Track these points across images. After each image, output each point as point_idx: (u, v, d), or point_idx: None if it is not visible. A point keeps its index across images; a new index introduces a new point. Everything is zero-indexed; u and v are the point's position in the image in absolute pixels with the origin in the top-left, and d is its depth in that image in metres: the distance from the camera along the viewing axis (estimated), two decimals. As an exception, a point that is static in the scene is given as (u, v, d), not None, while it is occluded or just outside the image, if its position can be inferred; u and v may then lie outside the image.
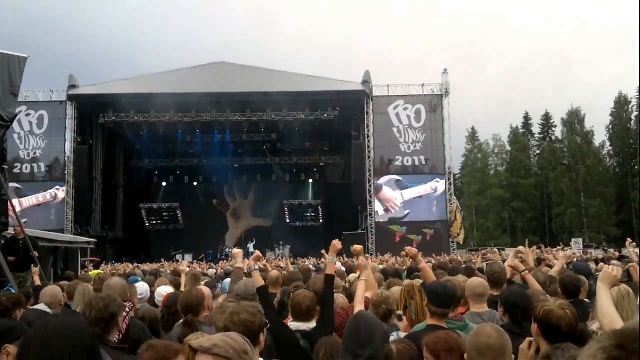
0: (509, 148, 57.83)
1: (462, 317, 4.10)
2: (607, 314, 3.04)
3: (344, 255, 20.82)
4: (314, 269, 12.63)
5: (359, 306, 4.38)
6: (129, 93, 28.79)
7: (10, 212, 10.68)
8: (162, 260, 24.35)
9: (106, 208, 31.94)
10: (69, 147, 29.15)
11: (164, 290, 5.89)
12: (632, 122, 49.71)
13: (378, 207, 29.27)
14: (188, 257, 29.26)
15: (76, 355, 1.86)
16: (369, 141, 29.47)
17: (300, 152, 33.94)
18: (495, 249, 22.89)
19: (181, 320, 4.20)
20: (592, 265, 9.85)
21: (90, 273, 11.31)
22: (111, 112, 29.25)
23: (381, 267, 10.48)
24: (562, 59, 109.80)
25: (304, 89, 29.01)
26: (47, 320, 1.98)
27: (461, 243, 30.48)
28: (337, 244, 4.82)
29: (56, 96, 29.64)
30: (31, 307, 5.15)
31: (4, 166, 10.89)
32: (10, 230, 10.89)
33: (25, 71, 10.95)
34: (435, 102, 29.92)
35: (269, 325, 3.18)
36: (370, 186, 29.20)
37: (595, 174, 47.89)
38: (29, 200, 28.73)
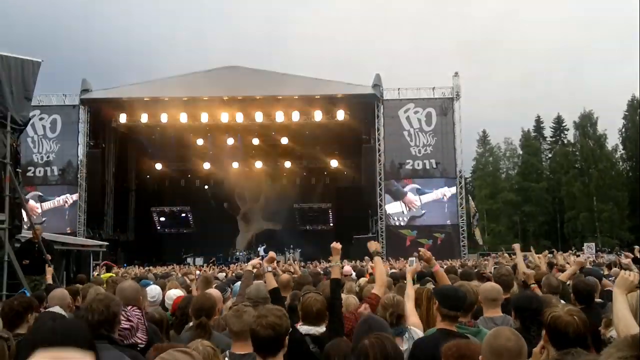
0: (520, 151, 57.47)
1: (475, 322, 4.08)
2: (623, 319, 3.02)
3: (354, 259, 20.82)
4: (322, 272, 12.63)
5: (379, 288, 4.42)
6: (141, 97, 29.02)
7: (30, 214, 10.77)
8: (174, 263, 24.46)
9: (118, 211, 32.15)
10: (81, 150, 29.42)
11: (174, 293, 5.92)
12: (645, 126, 49.25)
13: (400, 207, 29.23)
14: (199, 261, 29.37)
15: None
16: (379, 145, 29.43)
17: (310, 155, 33.94)
18: (506, 254, 22.76)
19: (191, 323, 4.22)
20: (605, 270, 9.76)
21: (102, 276, 11.39)
22: (123, 116, 29.51)
23: (392, 271, 10.46)
24: (575, 61, 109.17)
25: (314, 92, 29.06)
26: (45, 322, 1.99)
27: (481, 243, 30.58)
28: (336, 245, 4.80)
29: (69, 100, 29.92)
30: (45, 310, 5.19)
31: (18, 170, 11.00)
32: (25, 233, 11.00)
33: (39, 75, 11.07)
34: (446, 106, 29.83)
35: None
36: (380, 190, 29.16)
37: (608, 177, 47.47)
38: (45, 205, 29.13)
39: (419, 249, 5.48)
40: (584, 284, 5.08)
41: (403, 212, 29.38)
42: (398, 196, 29.41)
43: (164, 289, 6.63)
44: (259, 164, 34.11)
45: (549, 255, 11.88)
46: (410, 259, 5.59)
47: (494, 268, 8.11)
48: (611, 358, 1.08)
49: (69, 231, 27.29)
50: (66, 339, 1.40)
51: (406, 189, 29.51)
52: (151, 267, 22.08)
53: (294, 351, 3.71)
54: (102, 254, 17.54)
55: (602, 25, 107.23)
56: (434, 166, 29.60)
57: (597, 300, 5.08)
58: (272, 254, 5.34)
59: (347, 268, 11.37)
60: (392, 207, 29.42)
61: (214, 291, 5.07)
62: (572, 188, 48.40)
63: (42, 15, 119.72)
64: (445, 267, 11.52)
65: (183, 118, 29.08)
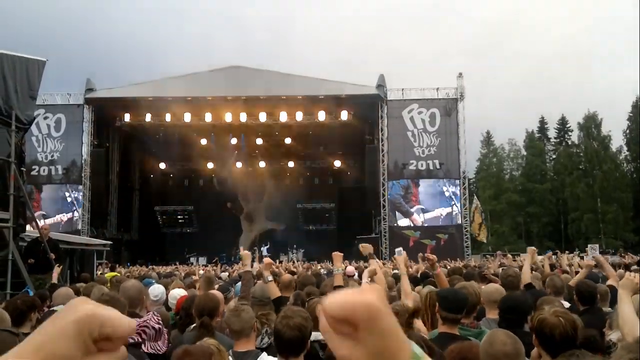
0: (524, 152, 57.34)
1: (477, 323, 4.08)
2: (629, 321, 3.01)
3: (356, 260, 20.82)
4: (325, 272, 12.66)
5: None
6: (145, 96, 29.08)
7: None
8: (177, 263, 24.51)
9: (122, 211, 32.23)
10: (85, 150, 29.48)
11: (177, 292, 5.93)
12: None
13: (409, 222, 29.31)
14: (202, 260, 29.41)
15: None
16: (383, 145, 29.41)
17: (314, 155, 33.96)
18: (509, 255, 22.74)
19: (194, 324, 4.23)
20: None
21: (106, 275, 11.43)
22: (127, 115, 29.58)
23: (396, 271, 10.44)
24: (580, 62, 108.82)
25: (318, 92, 29.07)
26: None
27: (485, 242, 30.48)
28: (337, 254, 4.87)
29: (73, 99, 29.99)
30: (49, 308, 5.22)
31: (22, 168, 11.05)
32: (29, 232, 11.05)
33: (44, 74, 11.11)
34: (450, 106, 29.79)
35: None
36: (384, 190, 29.15)
37: (612, 179, 47.32)
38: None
39: (426, 254, 5.49)
40: (586, 286, 5.08)
41: (410, 225, 29.49)
42: (407, 215, 29.46)
43: (167, 288, 6.64)
44: (262, 164, 34.14)
45: (553, 257, 11.87)
46: (397, 249, 5.60)
47: (502, 269, 8.09)
48: (630, 355, 1.09)
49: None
50: None
51: (413, 209, 29.48)
52: (154, 267, 22.12)
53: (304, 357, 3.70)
54: (105, 253, 17.60)
55: (607, 26, 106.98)
56: (438, 167, 29.55)
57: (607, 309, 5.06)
58: (267, 260, 5.34)
59: (350, 268, 11.38)
60: (402, 222, 29.49)
61: (215, 292, 5.08)
62: (576, 189, 48.26)
63: (47, 14, 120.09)
64: (449, 268, 11.52)
65: (187, 118, 29.13)
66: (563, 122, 58.19)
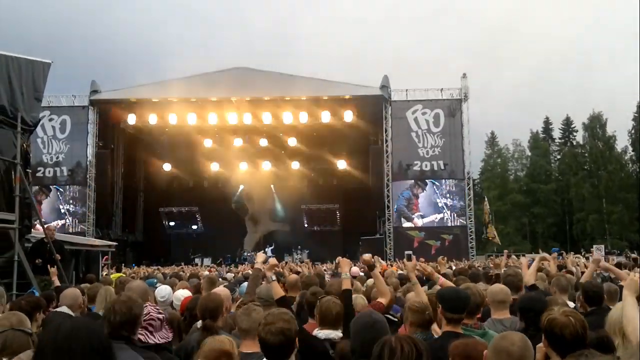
0: (529, 153, 57.25)
1: (481, 324, 4.07)
2: (632, 321, 3.00)
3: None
4: (329, 272, 12.64)
5: (383, 298, 4.44)
6: (150, 98, 29.19)
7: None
8: (182, 263, 24.55)
9: (127, 212, 32.32)
10: (90, 151, 29.58)
11: (182, 294, 5.94)
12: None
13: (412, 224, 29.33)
14: (207, 261, 29.46)
15: (89, 357, 1.88)
16: (387, 146, 29.40)
17: (318, 156, 33.92)
18: (514, 256, 22.68)
19: (198, 324, 4.24)
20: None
21: (111, 276, 11.45)
22: (132, 117, 29.67)
23: (400, 272, 10.42)
24: (584, 62, 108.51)
25: (322, 93, 29.10)
26: (61, 323, 2.01)
27: (500, 244, 30.68)
28: (345, 260, 4.91)
29: (78, 101, 30.10)
30: (54, 310, 5.23)
31: (28, 170, 11.09)
32: (34, 233, 11.08)
33: (49, 76, 11.15)
34: (454, 107, 29.74)
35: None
36: (388, 191, 29.12)
37: (617, 179, 47.18)
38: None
39: (422, 266, 5.53)
40: (593, 286, 5.06)
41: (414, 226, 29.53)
42: (409, 220, 29.50)
43: (172, 288, 6.65)
44: (266, 165, 34.13)
45: (558, 257, 11.82)
46: (407, 252, 5.62)
47: (503, 270, 8.06)
48: (635, 357, 1.09)
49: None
50: None
51: (414, 215, 29.49)
52: (160, 267, 22.17)
53: (312, 356, 3.68)
54: (111, 254, 17.64)
55: (612, 25, 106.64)
56: (442, 167, 29.52)
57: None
58: (273, 260, 5.36)
59: (355, 269, 11.36)
60: (406, 224, 29.48)
61: (222, 290, 5.09)
62: (581, 190, 48.15)
63: (52, 16, 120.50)
64: (454, 269, 11.49)
65: (191, 119, 29.18)
66: (568, 122, 58.09)
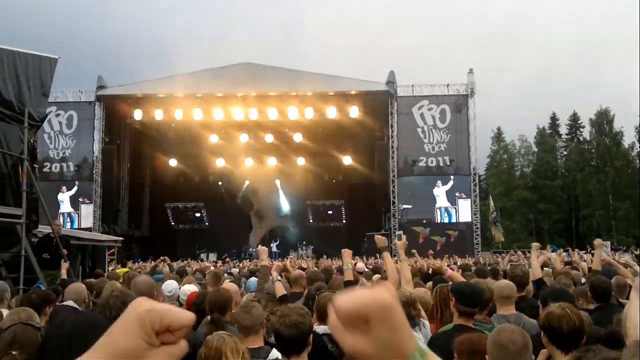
0: (535, 149, 57.03)
1: (489, 319, 4.08)
2: (635, 321, 3.00)
3: (366, 256, 20.84)
4: (337, 270, 12.64)
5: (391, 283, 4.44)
6: (156, 93, 29.24)
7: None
8: (188, 259, 24.62)
9: (132, 207, 32.42)
10: (97, 147, 29.65)
11: (188, 288, 5.96)
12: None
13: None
14: (212, 256, 29.55)
15: None
16: (393, 141, 29.33)
17: (324, 152, 33.91)
18: (520, 252, 22.63)
19: (207, 318, 4.26)
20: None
21: (117, 271, 11.50)
22: (138, 112, 29.73)
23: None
24: (591, 58, 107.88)
25: (328, 89, 29.06)
26: (65, 318, 2.02)
27: (503, 239, 30.61)
28: (347, 251, 4.92)
29: (85, 97, 30.17)
30: (60, 304, 5.26)
31: (35, 165, 11.14)
32: (41, 228, 11.13)
33: (56, 72, 11.19)
34: (461, 102, 29.63)
35: None
36: (394, 186, 29.07)
37: (624, 175, 46.96)
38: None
39: (430, 262, 5.55)
40: (601, 282, 5.04)
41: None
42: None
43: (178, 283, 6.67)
44: (272, 161, 34.15)
45: (564, 254, 11.79)
46: (397, 232, 5.65)
47: (510, 265, 8.06)
48: (635, 357, 1.09)
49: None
50: None
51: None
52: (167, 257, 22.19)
53: (313, 352, 3.72)
54: (117, 249, 17.72)
55: (619, 21, 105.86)
56: (448, 163, 29.43)
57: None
58: (279, 264, 5.41)
59: (360, 265, 11.39)
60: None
61: (231, 285, 5.11)
62: (588, 186, 47.96)
63: (59, 12, 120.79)
64: (458, 264, 11.48)
65: (197, 115, 29.23)
66: (574, 118, 57.82)
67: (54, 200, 27.95)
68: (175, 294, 5.98)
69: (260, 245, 6.52)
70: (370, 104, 29.84)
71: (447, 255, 18.90)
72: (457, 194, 29.19)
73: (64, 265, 8.24)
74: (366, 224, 30.53)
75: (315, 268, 11.16)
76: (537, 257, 6.95)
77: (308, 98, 28.79)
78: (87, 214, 29.22)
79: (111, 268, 15.38)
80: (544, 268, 7.98)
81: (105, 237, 18.88)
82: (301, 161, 34.16)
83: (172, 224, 35.18)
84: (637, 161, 51.36)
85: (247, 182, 35.51)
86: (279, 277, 4.87)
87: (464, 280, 4.95)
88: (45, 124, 23.96)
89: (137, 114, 29.82)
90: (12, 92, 9.94)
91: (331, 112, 29.09)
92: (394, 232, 28.48)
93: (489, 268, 9.00)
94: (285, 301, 4.47)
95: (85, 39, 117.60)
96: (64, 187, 29.41)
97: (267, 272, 5.43)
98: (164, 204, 34.59)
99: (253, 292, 5.93)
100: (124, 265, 17.10)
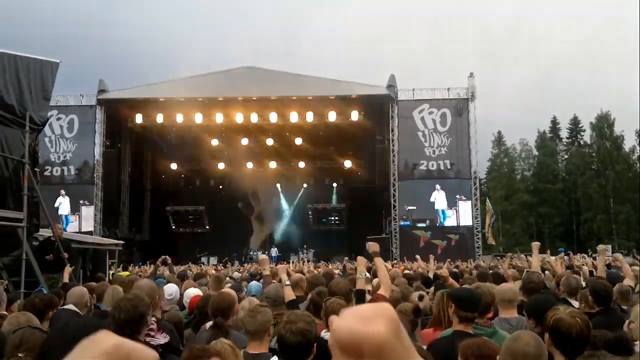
0: (536, 153, 57.08)
1: (491, 322, 4.08)
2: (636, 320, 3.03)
3: (368, 260, 20.73)
4: (340, 273, 12.62)
5: (385, 289, 4.44)
6: (157, 97, 29.25)
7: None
8: (189, 263, 24.60)
9: (133, 211, 32.39)
10: (98, 150, 29.64)
11: (193, 292, 5.96)
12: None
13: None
14: (213, 260, 29.52)
15: None
16: (393, 145, 29.31)
17: (324, 156, 33.95)
18: (522, 255, 22.60)
19: (209, 323, 4.25)
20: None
21: (120, 274, 11.50)
22: (139, 116, 29.77)
23: (407, 272, 10.42)
24: (592, 61, 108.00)
25: (329, 93, 29.07)
26: (67, 321, 2.03)
27: (494, 243, 30.44)
28: (362, 259, 4.89)
29: (86, 100, 30.18)
30: (61, 307, 5.26)
31: (36, 169, 11.15)
32: (42, 232, 11.14)
33: (57, 76, 11.21)
34: (461, 106, 29.63)
35: None
36: (394, 190, 29.06)
37: (625, 179, 46.97)
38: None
39: (438, 271, 5.57)
40: (603, 286, 5.04)
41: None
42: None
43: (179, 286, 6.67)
44: (273, 164, 34.20)
45: (565, 257, 11.79)
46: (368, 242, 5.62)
47: (526, 271, 8.03)
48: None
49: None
50: None
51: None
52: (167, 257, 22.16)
53: (319, 358, 3.71)
54: (117, 253, 17.70)
55: (620, 25, 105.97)
56: (449, 167, 29.41)
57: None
58: (285, 265, 5.41)
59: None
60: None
61: (229, 291, 5.11)
62: (589, 190, 47.96)
63: (60, 17, 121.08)
64: (459, 269, 11.48)
65: (198, 118, 29.25)
66: (575, 122, 57.87)
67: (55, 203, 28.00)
68: (176, 298, 5.98)
69: (261, 253, 6.55)
70: (371, 108, 29.86)
71: (449, 260, 18.87)
72: (457, 196, 29.16)
73: (67, 270, 8.23)
74: (367, 227, 30.46)
75: (315, 271, 11.15)
76: (537, 255, 6.96)
77: (309, 102, 28.81)
78: (88, 217, 29.20)
79: (112, 272, 15.36)
80: (545, 272, 7.99)
81: (106, 240, 18.88)
82: (302, 165, 34.21)
83: (173, 227, 35.19)
84: (638, 165, 51.37)
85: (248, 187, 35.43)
86: (288, 282, 4.86)
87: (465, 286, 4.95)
88: (47, 128, 23.94)
89: (138, 118, 29.86)
90: (14, 96, 9.96)
91: (332, 116, 29.12)
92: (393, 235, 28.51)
93: (491, 272, 8.99)
94: (294, 306, 4.46)
95: (86, 44, 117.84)
96: (63, 191, 29.37)
97: (270, 283, 5.46)
98: (164, 208, 34.60)
99: (254, 295, 5.93)
100: (125, 269, 17.08)
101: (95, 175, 29.48)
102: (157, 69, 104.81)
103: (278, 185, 35.83)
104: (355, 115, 29.21)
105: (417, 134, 29.45)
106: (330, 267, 18.04)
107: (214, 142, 32.34)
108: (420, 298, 5.26)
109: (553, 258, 10.11)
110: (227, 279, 9.39)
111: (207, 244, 33.30)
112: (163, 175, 35.87)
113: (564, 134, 59.12)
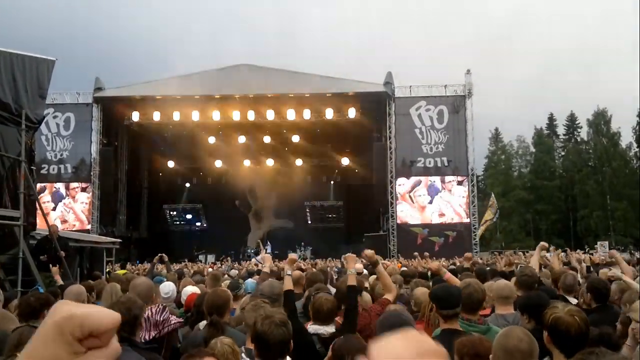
0: (533, 149, 57.16)
1: (485, 319, 4.07)
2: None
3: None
4: (336, 269, 12.64)
5: (389, 294, 4.47)
6: (153, 95, 29.20)
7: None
8: (186, 260, 24.59)
9: (131, 209, 32.32)
10: (94, 148, 29.59)
11: (190, 290, 5.95)
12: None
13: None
14: (211, 258, 29.49)
15: None
16: (390, 142, 29.32)
17: (321, 153, 33.93)
18: (520, 252, 22.66)
19: (204, 321, 4.25)
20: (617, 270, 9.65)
21: (117, 272, 11.49)
22: (136, 114, 29.69)
23: (404, 268, 10.45)
24: (589, 59, 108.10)
25: (326, 90, 29.05)
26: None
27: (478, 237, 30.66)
28: (351, 256, 4.91)
29: (82, 98, 30.11)
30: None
31: (32, 167, 11.11)
32: (39, 230, 11.11)
33: (53, 74, 11.16)
34: (458, 103, 29.65)
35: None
36: (392, 187, 29.09)
37: (622, 176, 47.08)
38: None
39: (430, 264, 5.57)
40: (600, 282, 5.05)
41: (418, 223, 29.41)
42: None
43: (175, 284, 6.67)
44: (270, 162, 34.16)
45: (562, 254, 11.80)
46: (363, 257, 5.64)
47: (519, 267, 8.05)
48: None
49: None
50: None
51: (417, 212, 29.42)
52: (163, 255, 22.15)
53: (301, 350, 3.72)
54: (115, 251, 17.68)
55: (618, 22, 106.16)
56: (446, 164, 29.44)
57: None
58: (293, 255, 5.40)
59: (359, 266, 11.33)
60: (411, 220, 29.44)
61: (224, 289, 5.12)
62: (586, 186, 48.06)
63: (57, 14, 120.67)
64: (457, 266, 11.49)
65: (195, 116, 29.20)
66: (572, 118, 57.94)
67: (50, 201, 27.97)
68: (172, 296, 5.97)
69: (264, 252, 6.60)
70: (368, 105, 29.84)
71: (445, 258, 18.92)
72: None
73: (54, 270, 8.18)
74: (365, 224, 30.52)
75: (313, 269, 11.16)
76: (538, 255, 6.96)
77: (306, 99, 28.79)
78: (84, 215, 29.17)
79: (108, 270, 15.34)
80: (543, 269, 7.99)
81: (103, 238, 18.84)
82: (299, 162, 34.17)
83: (170, 225, 35.14)
84: (635, 161, 51.49)
85: (245, 184, 35.38)
86: (289, 272, 4.87)
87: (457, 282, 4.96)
88: (43, 126, 23.90)
89: (135, 116, 29.77)
90: (10, 94, 9.91)
91: (329, 113, 29.11)
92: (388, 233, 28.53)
93: (489, 269, 9.00)
94: (291, 296, 4.46)
95: (83, 42, 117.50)
96: (61, 189, 29.33)
97: (265, 279, 5.47)
98: (162, 206, 34.56)
99: (250, 293, 5.94)
100: (123, 267, 17.08)
101: (92, 173, 29.42)
102: (153, 66, 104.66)
103: (275, 182, 35.77)
104: (352, 113, 29.19)
105: (414, 131, 29.46)
106: (327, 264, 18.08)
107: (211, 139, 32.28)
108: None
109: (549, 254, 10.09)
110: (225, 276, 9.39)
111: (204, 241, 33.28)
112: (160, 173, 35.80)
113: (561, 130, 59.29)
